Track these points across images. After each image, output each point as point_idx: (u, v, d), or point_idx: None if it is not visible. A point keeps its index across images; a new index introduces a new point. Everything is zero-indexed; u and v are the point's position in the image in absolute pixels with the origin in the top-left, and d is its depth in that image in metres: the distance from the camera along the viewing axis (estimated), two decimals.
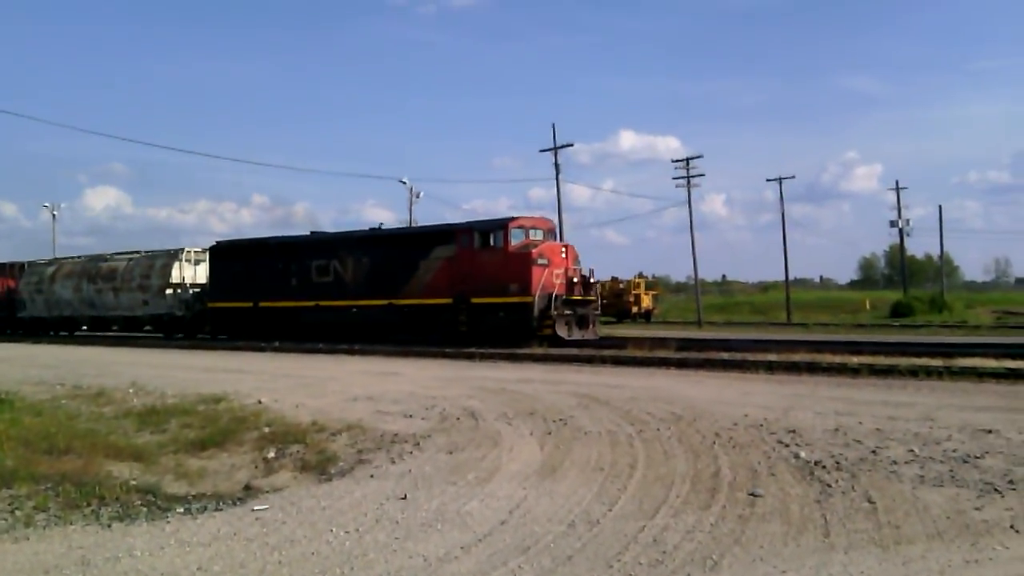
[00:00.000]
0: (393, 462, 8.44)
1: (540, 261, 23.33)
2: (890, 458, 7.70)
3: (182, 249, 34.11)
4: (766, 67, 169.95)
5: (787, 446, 8.33)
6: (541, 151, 46.16)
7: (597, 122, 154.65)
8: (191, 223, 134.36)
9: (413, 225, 42.41)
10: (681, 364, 17.24)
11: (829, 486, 6.80)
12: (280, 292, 28.88)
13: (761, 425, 9.50)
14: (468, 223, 25.72)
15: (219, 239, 34.86)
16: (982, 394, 11.88)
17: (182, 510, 7.19)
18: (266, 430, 10.49)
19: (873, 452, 7.96)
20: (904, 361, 15.16)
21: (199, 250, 34.04)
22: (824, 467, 7.42)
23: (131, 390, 14.86)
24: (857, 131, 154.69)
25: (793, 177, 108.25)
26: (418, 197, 50.45)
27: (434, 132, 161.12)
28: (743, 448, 8.34)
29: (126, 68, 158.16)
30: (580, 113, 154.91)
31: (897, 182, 60.14)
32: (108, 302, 35.57)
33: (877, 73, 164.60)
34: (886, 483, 6.85)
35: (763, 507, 6.31)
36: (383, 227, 30.00)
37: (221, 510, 7.16)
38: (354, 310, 27.01)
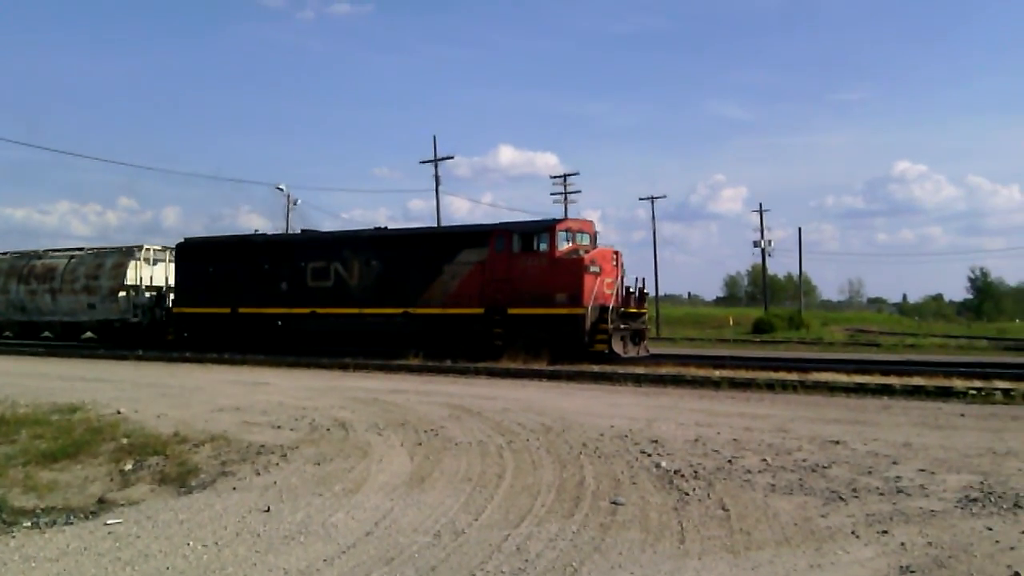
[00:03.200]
0: (258, 474, 8.25)
1: (592, 269, 20.94)
2: (745, 467, 8.07)
3: (140, 246, 30.42)
4: (640, 91, 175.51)
5: (649, 456, 8.61)
6: (422, 162, 46.23)
7: (477, 136, 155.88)
8: (52, 225, 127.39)
9: (437, 226, 37.62)
10: (553, 376, 17.57)
11: (687, 494, 7.06)
12: (266, 297, 25.62)
13: (626, 436, 9.79)
14: (506, 224, 23.05)
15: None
16: (833, 407, 12.57)
17: (29, 524, 6.84)
18: (124, 441, 10.07)
19: (729, 461, 8.32)
20: (762, 375, 15.92)
21: (158, 248, 30.71)
22: (683, 476, 7.70)
23: None
24: (725, 155, 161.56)
25: (664, 197, 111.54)
26: (295, 204, 49.56)
27: (312, 139, 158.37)
28: (608, 458, 8.56)
29: None
30: (460, 127, 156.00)
31: (761, 204, 62.81)
32: (43, 306, 31.43)
33: (744, 101, 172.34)
34: (740, 491, 7.17)
35: (624, 515, 6.50)
36: (387, 228, 26.72)
37: (72, 524, 6.85)
38: (360, 319, 23.94)
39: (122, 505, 7.41)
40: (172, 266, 29.46)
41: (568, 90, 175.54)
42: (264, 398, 13.97)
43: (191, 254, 28.07)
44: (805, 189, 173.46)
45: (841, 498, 6.90)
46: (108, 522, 6.75)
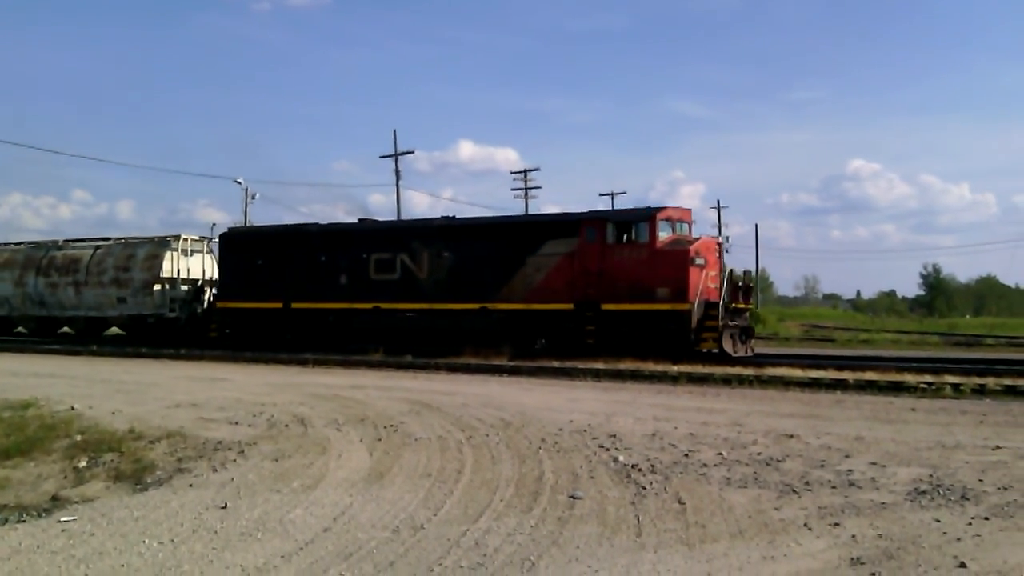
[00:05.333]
0: (215, 470, 8.19)
1: (697, 261, 19.38)
2: (701, 461, 8.18)
3: (177, 236, 27.95)
4: (600, 88, 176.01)
5: (608, 450, 8.70)
6: (382, 157, 45.90)
7: (437, 131, 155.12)
8: (2, 216, 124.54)
9: (522, 214, 35.25)
10: (513, 372, 17.61)
11: (644, 488, 7.14)
12: (323, 291, 23.68)
13: (585, 431, 9.87)
14: (598, 212, 21.54)
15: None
16: (787, 401, 12.78)
17: None
18: (78, 438, 9.92)
19: (686, 456, 8.43)
20: (719, 370, 16.10)
21: (196, 238, 28.51)
22: (640, 470, 7.79)
23: None
24: (683, 152, 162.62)
25: (624, 193, 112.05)
26: (254, 198, 49.04)
27: (269, 133, 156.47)
28: (567, 452, 8.63)
29: None
30: (420, 121, 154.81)
31: (719, 201, 63.72)
32: (65, 300, 28.79)
33: (702, 99, 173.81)
34: (696, 485, 7.27)
35: (581, 509, 6.55)
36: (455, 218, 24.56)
37: (24, 522, 6.73)
38: (430, 315, 22.17)
39: (76, 502, 7.30)
40: (209, 257, 28.16)
41: (528, 86, 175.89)
42: (222, 394, 13.85)
43: (237, 245, 26.20)
44: (762, 186, 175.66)
45: (794, 491, 7.02)
46: (62, 520, 6.65)
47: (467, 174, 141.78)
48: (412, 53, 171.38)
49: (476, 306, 21.42)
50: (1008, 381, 13.92)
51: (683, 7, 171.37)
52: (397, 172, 45.30)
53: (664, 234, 19.88)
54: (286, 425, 10.59)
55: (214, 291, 27.28)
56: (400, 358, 20.18)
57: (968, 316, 75.49)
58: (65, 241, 30.80)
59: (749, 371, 15.76)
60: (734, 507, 6.57)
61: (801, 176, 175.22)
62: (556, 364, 18.04)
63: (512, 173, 51.68)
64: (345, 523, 6.31)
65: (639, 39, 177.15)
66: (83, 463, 8.83)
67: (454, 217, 24.29)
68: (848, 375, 15.23)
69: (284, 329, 24.32)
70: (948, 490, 6.93)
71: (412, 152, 47.27)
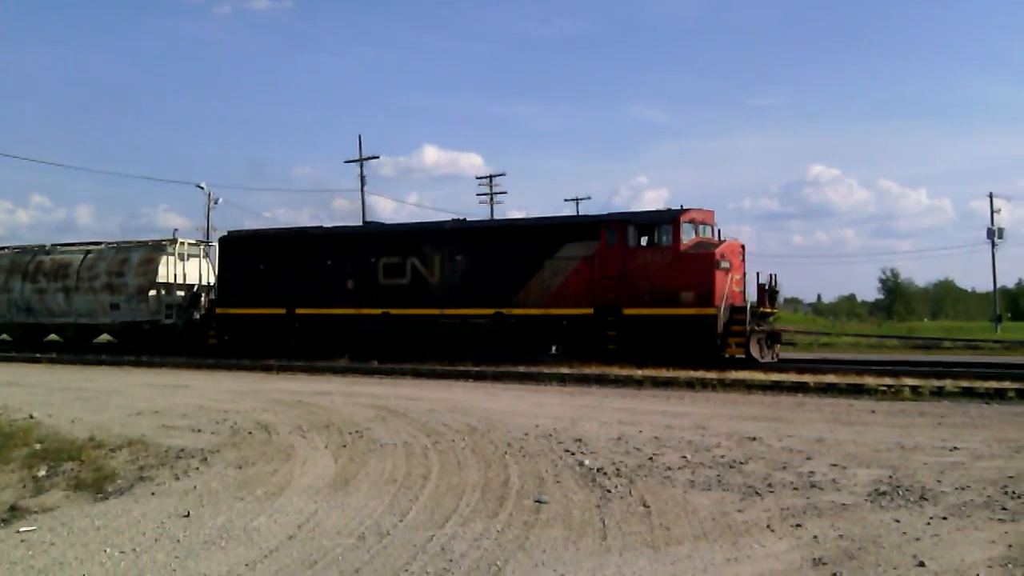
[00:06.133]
0: (177, 478, 8.09)
1: (723, 264, 19.01)
2: (665, 464, 8.25)
3: (173, 240, 27.39)
4: (565, 94, 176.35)
5: (573, 454, 8.74)
6: (347, 162, 45.87)
7: (401, 136, 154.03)
8: None
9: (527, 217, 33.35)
10: (479, 377, 17.61)
11: (609, 492, 7.18)
12: (329, 297, 23.03)
13: (550, 435, 9.91)
14: (619, 214, 20.76)
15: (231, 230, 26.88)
16: (749, 404, 12.93)
17: None
18: (37, 447, 9.74)
19: (650, 459, 8.50)
20: (683, 374, 16.23)
21: (192, 242, 27.81)
22: (605, 474, 7.84)
23: None
24: (647, 157, 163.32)
25: (589, 198, 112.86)
26: (216, 203, 48.64)
27: (230, 137, 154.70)
28: (532, 457, 8.65)
29: None
30: (384, 126, 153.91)
31: (682, 206, 63.84)
32: (54, 306, 27.78)
33: (666, 105, 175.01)
34: (660, 488, 7.33)
35: (547, 513, 6.58)
36: (467, 220, 23.94)
37: None
38: (442, 320, 21.54)
39: (35, 512, 7.18)
40: (206, 262, 27.41)
41: (493, 91, 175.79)
42: (184, 401, 13.70)
43: (238, 249, 25.16)
44: (724, 192, 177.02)
45: (757, 493, 7.10)
46: (21, 529, 6.53)
47: (431, 179, 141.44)
48: (375, 57, 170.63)
49: (491, 311, 20.92)
50: (965, 383, 14.19)
51: (647, 15, 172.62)
52: (362, 177, 45.26)
53: (688, 237, 19.53)
54: (250, 432, 10.50)
55: (211, 296, 26.52)
56: (366, 364, 20.11)
57: (926, 319, 76.77)
58: (53, 245, 29.71)
59: (712, 375, 15.92)
60: (698, 509, 6.63)
61: (763, 182, 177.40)
62: (522, 369, 18.07)
63: (478, 178, 52.14)
64: (310, 530, 6.27)
65: (604, 46, 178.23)
66: (42, 472, 8.67)
67: (465, 219, 23.70)
68: (809, 378, 15.44)
69: (288, 336, 23.66)
70: (907, 491, 7.05)
71: (377, 157, 47.02)
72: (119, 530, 6.40)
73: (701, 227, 20.00)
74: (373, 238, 23.63)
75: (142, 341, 26.61)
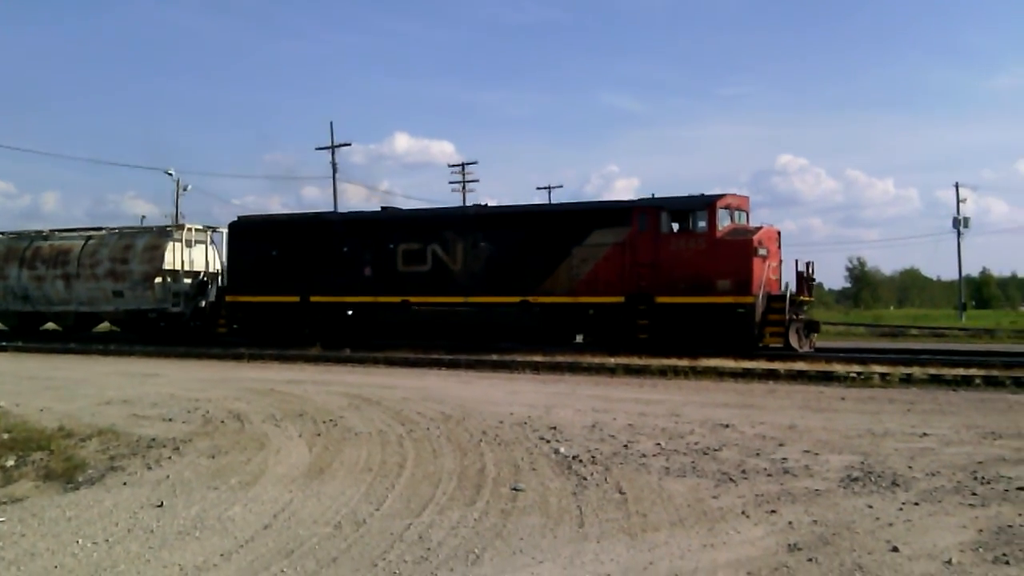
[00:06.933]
0: (149, 468, 8.00)
1: (760, 251, 18.39)
2: (640, 451, 8.29)
3: (179, 226, 26.54)
4: (537, 81, 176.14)
5: (548, 442, 8.75)
6: (318, 149, 45.62)
7: (372, 123, 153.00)
8: None
9: (556, 202, 32.86)
10: (452, 365, 17.59)
11: (585, 479, 7.21)
12: (346, 284, 22.27)
13: (525, 423, 9.92)
14: (652, 200, 19.93)
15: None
16: (722, 392, 13.03)
17: None
18: (5, 436, 9.59)
19: (625, 446, 8.53)
20: (655, 362, 16.29)
21: (199, 228, 26.71)
22: (581, 461, 7.86)
23: None
24: (618, 146, 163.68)
25: (561, 186, 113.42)
26: (186, 190, 48.11)
27: (200, 123, 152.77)
28: (508, 445, 8.66)
29: None
30: (355, 114, 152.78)
31: (653, 195, 64.04)
32: (53, 294, 26.74)
33: (637, 93, 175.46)
34: (636, 475, 7.36)
35: (524, 501, 6.58)
36: (488, 205, 23.35)
37: None
38: (465, 308, 20.85)
39: (4, 503, 7.06)
40: (212, 249, 26.48)
41: (464, 78, 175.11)
42: (155, 390, 13.56)
43: (248, 235, 24.30)
44: (694, 180, 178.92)
45: (731, 479, 7.16)
46: None
47: (403, 166, 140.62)
48: (346, 43, 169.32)
49: (516, 299, 20.32)
50: (933, 370, 14.39)
51: (619, 3, 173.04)
52: (334, 164, 45.08)
53: (723, 223, 18.90)
54: (222, 421, 10.42)
55: (219, 284, 25.80)
56: (339, 352, 20.01)
57: (892, 307, 77.82)
58: (51, 231, 28.71)
59: (684, 362, 16.00)
60: (673, 496, 6.67)
61: (732, 170, 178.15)
62: (495, 357, 18.06)
63: (450, 166, 51.88)
64: (286, 519, 6.23)
65: (575, 33, 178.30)
66: (11, 462, 8.54)
67: (487, 205, 23.28)
68: (779, 365, 15.59)
69: (301, 324, 22.90)
70: (879, 477, 7.14)
71: (349, 144, 46.92)
72: (91, 520, 6.32)
73: (736, 213, 19.48)
74: (391, 224, 22.86)
75: (147, 330, 25.84)
